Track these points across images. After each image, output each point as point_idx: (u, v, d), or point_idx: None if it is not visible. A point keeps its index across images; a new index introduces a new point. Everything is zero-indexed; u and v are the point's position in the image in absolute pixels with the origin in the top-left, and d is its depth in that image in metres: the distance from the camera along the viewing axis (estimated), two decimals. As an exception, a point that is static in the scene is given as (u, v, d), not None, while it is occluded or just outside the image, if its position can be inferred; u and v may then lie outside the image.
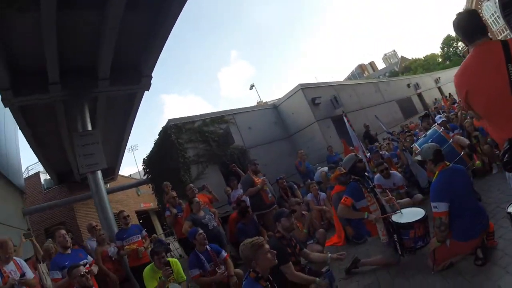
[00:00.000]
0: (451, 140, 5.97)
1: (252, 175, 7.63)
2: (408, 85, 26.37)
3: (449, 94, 26.16)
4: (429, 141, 5.60)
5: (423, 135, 6.31)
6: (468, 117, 7.74)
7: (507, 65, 2.00)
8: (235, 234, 7.26)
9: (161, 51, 8.61)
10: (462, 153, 5.82)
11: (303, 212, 6.79)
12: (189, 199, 6.81)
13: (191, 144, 11.88)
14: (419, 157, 4.22)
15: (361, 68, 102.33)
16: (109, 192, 16.94)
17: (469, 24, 2.26)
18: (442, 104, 21.33)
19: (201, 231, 5.31)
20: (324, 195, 8.14)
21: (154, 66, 9.18)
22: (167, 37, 8.15)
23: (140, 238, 6.63)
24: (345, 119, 9.61)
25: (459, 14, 2.32)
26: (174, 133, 11.64)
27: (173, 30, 7.83)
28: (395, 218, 4.24)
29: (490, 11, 68.26)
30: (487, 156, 6.80)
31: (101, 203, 8.72)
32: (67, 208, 17.97)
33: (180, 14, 7.49)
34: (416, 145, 6.26)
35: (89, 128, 8.97)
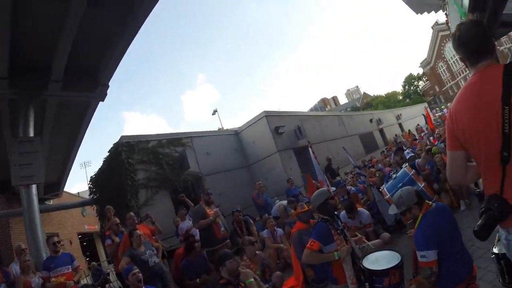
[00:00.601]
0: (423, 184, 5.71)
1: (204, 206, 7.03)
2: (371, 120, 26.91)
3: (409, 130, 27.42)
4: (399, 184, 5.40)
5: (394, 177, 5.95)
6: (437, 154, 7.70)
7: (503, 107, 1.69)
8: (180, 272, 6.65)
9: (122, 56, 7.85)
10: (436, 197, 5.59)
11: (257, 252, 6.37)
12: (129, 230, 6.15)
13: (142, 166, 11.06)
14: (395, 210, 3.71)
15: (323, 102, 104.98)
16: (49, 209, 15.59)
17: (475, 39, 1.88)
18: (404, 139, 21.63)
19: (135, 270, 4.61)
20: (281, 231, 7.60)
21: (112, 75, 8.39)
22: (131, 41, 7.44)
23: (70, 270, 5.81)
24: (310, 150, 9.29)
25: (461, 25, 1.95)
26: (126, 152, 10.81)
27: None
28: (367, 263, 3.75)
29: (452, 52, 73.42)
30: (455, 193, 6.80)
31: (31, 223, 7.44)
32: (2, 222, 16.37)
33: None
34: (385, 188, 5.94)
35: (31, 134, 7.92)
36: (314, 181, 9.56)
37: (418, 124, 30.44)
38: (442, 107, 50.38)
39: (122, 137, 11.14)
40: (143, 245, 5.83)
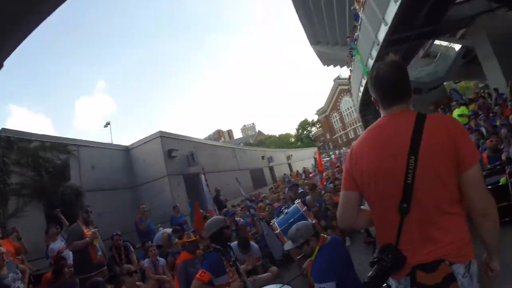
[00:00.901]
0: (314, 221, 5.88)
1: (82, 225, 6.31)
2: (263, 157, 27.85)
3: (297, 171, 28.74)
4: (291, 220, 5.53)
5: (285, 212, 6.11)
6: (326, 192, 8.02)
7: (409, 157, 1.64)
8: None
9: (24, 37, 7.04)
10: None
11: (137, 283, 6.03)
12: (-10, 246, 5.15)
13: (18, 168, 9.58)
14: (291, 245, 3.75)
15: (218, 133, 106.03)
16: None
17: (394, 82, 1.79)
18: (292, 179, 22.54)
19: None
20: (164, 261, 7.17)
21: (8, 55, 7.40)
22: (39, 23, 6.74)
23: None
24: (203, 177, 9.29)
25: (381, 65, 1.84)
26: (3, 148, 9.30)
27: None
28: None
29: (347, 105, 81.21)
30: (341, 230, 6.89)
31: None
32: None
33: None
34: (276, 222, 6.02)
35: None
36: (202, 211, 9.43)
37: (305, 167, 31.96)
38: (330, 153, 53.81)
39: (3, 130, 9.72)
40: (5, 266, 4.89)
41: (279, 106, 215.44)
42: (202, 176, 9.36)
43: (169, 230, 8.99)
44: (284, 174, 29.16)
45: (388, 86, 1.80)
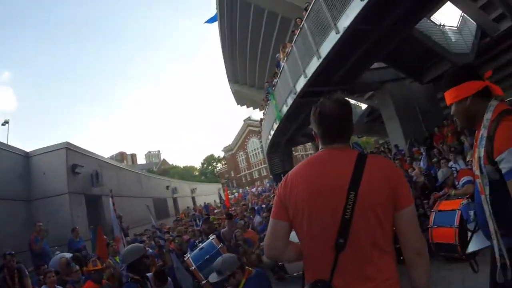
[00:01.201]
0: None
1: None
2: (167, 187, 27.40)
3: (200, 205, 28.58)
4: (207, 256, 5.52)
5: (200, 246, 6.06)
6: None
7: (349, 192, 1.63)
8: None
9: None
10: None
11: None
12: None
13: None
14: (216, 278, 3.76)
15: (122, 155, 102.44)
16: None
17: (338, 119, 1.79)
18: (197, 213, 22.50)
19: None
20: None
21: None
22: None
23: None
24: (111, 201, 8.72)
25: (326, 101, 1.83)
26: None
27: None
28: None
29: (254, 146, 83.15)
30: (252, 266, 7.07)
31: None
32: None
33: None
34: (190, 258, 5.89)
35: None
36: (105, 237, 8.96)
37: (208, 202, 32.11)
38: (234, 191, 54.52)
39: None
40: None
41: (187, 137, 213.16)
42: (110, 199, 8.79)
43: (67, 254, 8.11)
44: (188, 207, 28.92)
45: (331, 122, 1.79)
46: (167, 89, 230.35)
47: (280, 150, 27.16)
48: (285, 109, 16.69)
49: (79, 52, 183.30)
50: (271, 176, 30.96)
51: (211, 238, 6.18)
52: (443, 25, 15.85)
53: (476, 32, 16.05)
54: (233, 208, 18.32)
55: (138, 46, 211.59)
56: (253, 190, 41.33)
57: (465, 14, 16.04)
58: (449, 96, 2.09)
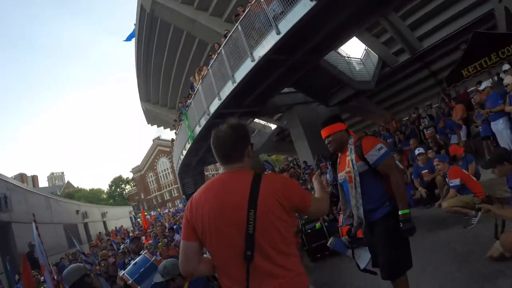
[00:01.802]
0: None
1: None
2: (77, 212, 26.37)
3: (112, 230, 27.78)
4: (141, 270, 5.62)
5: (133, 263, 6.16)
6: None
7: (248, 210, 1.85)
8: None
9: None
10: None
11: None
12: None
13: None
14: (160, 278, 4.09)
15: (22, 177, 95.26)
16: None
17: (227, 144, 2.03)
18: (112, 238, 22.02)
19: None
20: None
21: None
22: None
23: None
24: (34, 226, 8.35)
25: (220, 129, 2.07)
26: None
27: None
28: None
29: (164, 167, 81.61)
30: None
31: None
32: None
33: None
34: (125, 274, 5.87)
35: None
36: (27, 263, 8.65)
37: (118, 226, 31.19)
38: (145, 213, 53.31)
39: None
40: None
41: (93, 157, 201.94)
42: (33, 224, 8.41)
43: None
44: (100, 232, 27.89)
45: (223, 147, 2.03)
46: (72, 106, 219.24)
47: (191, 170, 27.43)
48: (198, 129, 17.30)
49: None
50: (184, 196, 30.91)
51: (143, 253, 6.28)
52: (349, 57, 17.85)
53: (378, 63, 18.39)
54: (149, 230, 18.40)
55: (45, 58, 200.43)
56: (166, 211, 40.95)
57: (368, 48, 18.17)
58: (328, 130, 3.24)
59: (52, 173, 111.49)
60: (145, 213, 52.97)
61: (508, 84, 7.49)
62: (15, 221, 13.89)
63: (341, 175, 3.28)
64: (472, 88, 12.90)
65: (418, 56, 17.59)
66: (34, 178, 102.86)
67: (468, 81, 12.56)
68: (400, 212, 2.88)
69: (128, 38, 28.64)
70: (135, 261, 5.90)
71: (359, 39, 16.96)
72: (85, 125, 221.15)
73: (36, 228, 8.32)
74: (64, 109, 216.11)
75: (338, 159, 3.41)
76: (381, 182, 3.03)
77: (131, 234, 21.88)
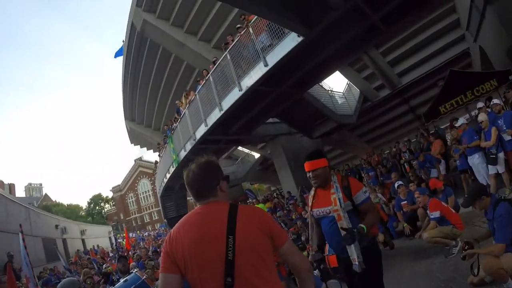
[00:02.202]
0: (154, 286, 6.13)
1: None
2: (57, 226, 25.98)
3: (91, 248, 27.11)
4: (132, 287, 5.50)
5: (124, 279, 5.94)
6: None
7: (227, 237, 1.91)
8: None
9: None
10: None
11: None
12: None
13: None
14: None
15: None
16: None
17: (198, 183, 2.12)
18: (92, 257, 21.65)
19: None
20: None
21: None
22: None
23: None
24: (21, 237, 8.48)
25: (192, 167, 2.17)
26: None
27: None
28: None
29: (145, 188, 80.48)
30: None
31: None
32: None
33: None
34: None
35: None
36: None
37: (98, 245, 30.79)
38: (124, 234, 52.54)
39: None
40: None
41: (73, 172, 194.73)
42: (20, 235, 8.51)
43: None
44: (78, 250, 27.40)
45: (195, 186, 2.11)
46: (54, 115, 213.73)
47: (174, 194, 27.23)
48: (183, 153, 17.38)
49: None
50: (165, 220, 30.47)
51: (134, 271, 6.18)
52: (331, 90, 18.35)
53: (359, 97, 18.98)
54: (131, 252, 18.26)
55: (31, 59, 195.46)
56: (146, 234, 40.30)
57: (350, 82, 18.69)
58: (313, 165, 3.37)
59: (30, 184, 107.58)
60: (120, 235, 52.11)
61: (482, 121, 7.81)
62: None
63: (321, 210, 3.41)
64: (446, 125, 13.38)
65: (398, 91, 18.22)
66: (11, 187, 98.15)
67: (445, 117, 12.95)
68: (360, 224, 3.09)
69: (117, 54, 28.59)
70: (125, 278, 5.81)
71: (341, 73, 17.53)
72: (66, 137, 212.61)
73: (23, 239, 8.36)
74: (45, 119, 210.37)
75: (314, 193, 3.57)
76: (359, 219, 3.27)
77: (111, 254, 21.62)
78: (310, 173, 3.39)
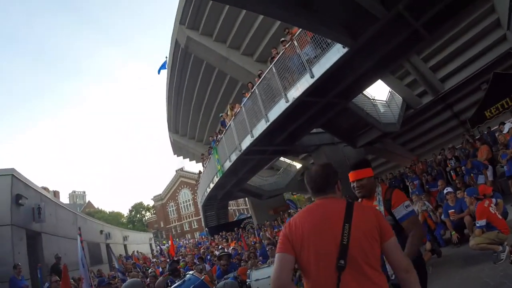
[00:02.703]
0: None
1: None
2: (101, 232, 26.69)
3: (132, 254, 27.98)
4: (191, 286, 5.58)
5: (181, 281, 5.91)
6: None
7: (344, 224, 2.06)
8: None
9: None
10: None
11: None
12: None
13: None
14: None
15: (45, 190, 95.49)
16: None
17: (317, 181, 2.32)
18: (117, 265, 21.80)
19: None
20: None
21: None
22: None
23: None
24: (79, 239, 8.67)
25: (312, 168, 2.43)
26: None
27: None
28: None
29: (185, 198, 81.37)
30: None
31: None
32: None
33: None
34: None
35: None
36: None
37: (139, 251, 31.57)
38: (163, 242, 53.65)
39: None
40: None
41: (115, 181, 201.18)
42: (78, 236, 8.73)
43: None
44: (120, 255, 27.94)
45: (318, 180, 2.33)
46: (99, 127, 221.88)
47: (216, 204, 27.61)
48: (228, 164, 17.65)
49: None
50: (206, 229, 30.59)
51: (191, 272, 6.26)
52: (374, 99, 18.23)
53: (402, 105, 18.67)
54: (176, 258, 18.56)
55: (81, 76, 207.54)
56: (185, 241, 40.60)
57: (393, 90, 18.52)
58: (358, 174, 3.27)
59: (74, 191, 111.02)
60: (164, 242, 53.16)
61: (531, 125, 7.35)
62: (45, 232, 14.20)
63: None
64: (494, 128, 12.91)
65: (441, 97, 17.84)
66: (56, 194, 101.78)
67: (490, 122, 12.54)
68: None
69: (160, 69, 29.19)
70: (182, 279, 5.89)
71: (383, 81, 17.32)
72: (110, 148, 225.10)
73: (81, 241, 8.60)
74: (89, 131, 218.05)
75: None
76: (402, 237, 2.98)
77: (153, 260, 22.01)
78: (355, 183, 3.31)
